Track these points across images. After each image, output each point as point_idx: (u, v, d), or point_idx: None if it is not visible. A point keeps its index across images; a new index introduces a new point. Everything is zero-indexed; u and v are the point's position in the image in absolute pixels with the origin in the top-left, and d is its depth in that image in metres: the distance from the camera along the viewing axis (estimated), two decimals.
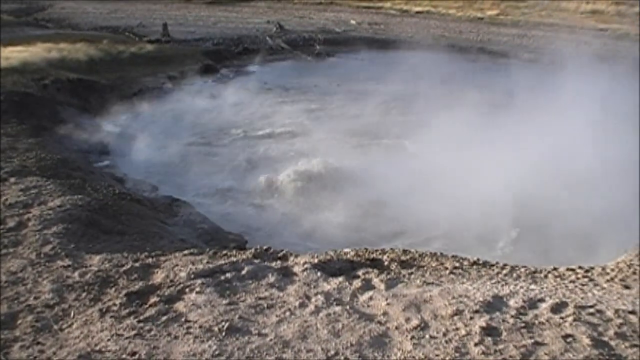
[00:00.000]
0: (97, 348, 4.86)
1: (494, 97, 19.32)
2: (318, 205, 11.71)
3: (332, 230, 10.52)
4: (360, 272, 6.58)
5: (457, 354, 4.80)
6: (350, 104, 20.00)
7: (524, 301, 5.72)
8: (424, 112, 18.04)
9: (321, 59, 28.35)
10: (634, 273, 7.15)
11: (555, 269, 7.25)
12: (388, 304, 5.71)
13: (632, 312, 5.58)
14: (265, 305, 5.64)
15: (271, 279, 6.22)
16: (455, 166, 12.32)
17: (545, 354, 4.81)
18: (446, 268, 6.97)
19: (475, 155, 12.73)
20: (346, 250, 7.45)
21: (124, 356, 4.73)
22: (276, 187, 12.55)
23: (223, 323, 5.24)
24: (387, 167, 13.18)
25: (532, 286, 6.35)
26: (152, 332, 5.13)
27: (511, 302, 5.69)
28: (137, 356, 4.74)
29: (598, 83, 16.97)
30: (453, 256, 7.46)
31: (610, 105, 15.41)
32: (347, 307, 5.64)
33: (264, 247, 7.25)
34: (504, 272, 7.02)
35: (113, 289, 5.98)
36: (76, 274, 6.27)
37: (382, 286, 6.15)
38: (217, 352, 4.80)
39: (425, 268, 6.94)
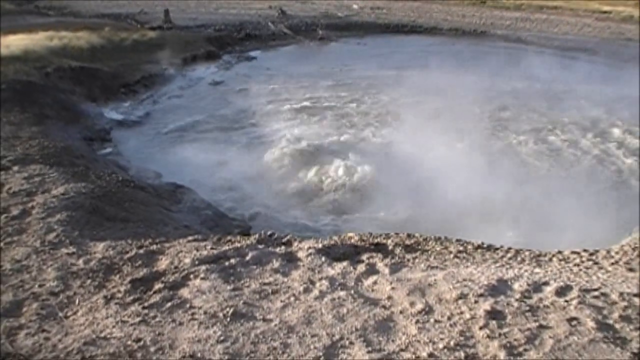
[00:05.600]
0: (102, 335, 4.87)
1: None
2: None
3: None
4: (364, 257, 6.58)
5: (462, 338, 4.80)
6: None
7: (528, 285, 5.71)
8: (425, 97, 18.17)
9: (323, 44, 28.26)
10: (639, 256, 7.15)
11: (559, 252, 7.25)
12: (392, 288, 5.70)
13: (637, 295, 5.57)
14: (270, 291, 5.64)
15: (275, 264, 6.21)
16: None
17: (550, 337, 4.81)
18: (450, 252, 6.96)
19: None
20: (350, 234, 7.44)
21: (129, 342, 4.74)
22: None
23: (228, 309, 5.25)
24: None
25: (537, 270, 6.34)
26: (157, 319, 5.14)
27: (516, 286, 5.68)
28: (142, 342, 4.74)
29: None
30: (457, 240, 7.45)
31: None
32: (352, 291, 5.64)
33: (268, 233, 7.25)
34: (509, 255, 7.01)
35: (117, 275, 5.99)
36: (80, 261, 6.28)
37: (387, 270, 6.14)
38: (222, 338, 4.81)
39: (429, 252, 6.93)
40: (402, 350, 4.68)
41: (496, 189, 11.26)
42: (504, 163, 13.38)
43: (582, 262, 6.92)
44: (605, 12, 35.80)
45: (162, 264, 6.24)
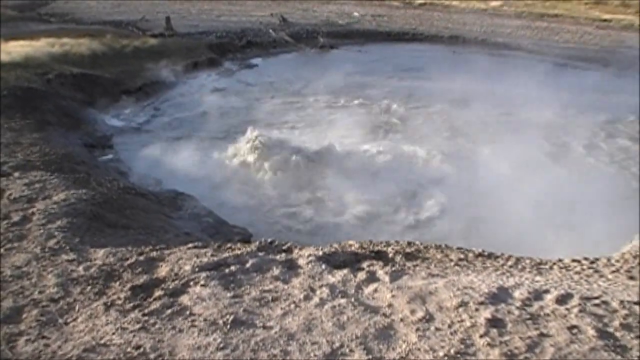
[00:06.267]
0: (102, 342, 4.86)
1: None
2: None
3: None
4: (364, 265, 6.57)
5: (462, 346, 4.79)
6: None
7: (529, 293, 5.70)
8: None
9: (324, 52, 28.30)
10: None
11: (560, 260, 7.24)
12: (393, 296, 5.70)
13: (638, 303, 5.56)
14: (270, 298, 5.64)
15: (276, 271, 6.21)
16: None
17: (551, 345, 4.80)
18: (451, 260, 6.96)
19: None
20: (350, 242, 7.44)
21: (128, 350, 4.73)
22: None
23: (228, 316, 5.24)
24: None
25: (537, 277, 6.34)
26: (157, 326, 5.13)
27: (516, 294, 5.68)
28: (142, 349, 4.74)
29: None
30: (458, 248, 7.45)
31: None
32: (352, 299, 5.63)
33: (269, 240, 7.24)
34: (509, 263, 7.01)
35: (118, 282, 5.99)
36: (81, 267, 6.28)
37: (387, 278, 6.14)
38: (221, 345, 4.80)
39: (430, 260, 6.93)
40: (402, 358, 4.67)
41: None
42: None
43: (583, 270, 6.91)
44: (605, 20, 35.85)
45: (163, 270, 6.24)
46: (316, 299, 5.63)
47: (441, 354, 4.69)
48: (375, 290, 5.86)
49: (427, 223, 11.26)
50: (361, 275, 6.20)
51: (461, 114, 17.83)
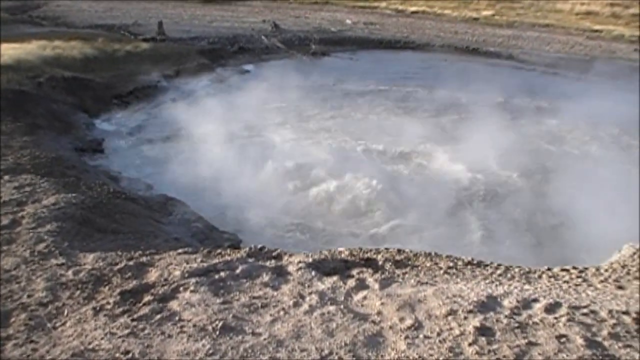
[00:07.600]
0: (91, 346, 4.84)
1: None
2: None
3: None
4: (354, 272, 6.57)
5: (451, 354, 4.81)
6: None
7: (518, 301, 5.72)
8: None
9: (316, 58, 28.35)
10: (628, 274, 7.18)
11: (549, 269, 7.27)
12: (382, 303, 5.71)
13: (626, 313, 5.60)
14: (259, 305, 5.64)
15: (265, 278, 6.21)
16: None
17: (539, 354, 4.82)
18: (440, 268, 6.97)
19: None
20: (340, 249, 7.45)
21: (117, 355, 4.72)
22: None
23: (217, 322, 5.23)
24: None
25: (526, 286, 6.36)
26: (146, 331, 5.12)
27: (505, 302, 5.70)
28: (130, 355, 4.72)
29: None
30: (447, 256, 7.47)
31: None
32: (341, 306, 5.63)
33: (258, 247, 7.24)
34: (498, 272, 7.03)
35: (107, 287, 5.97)
36: (70, 272, 6.25)
37: (376, 286, 6.15)
38: (210, 351, 4.79)
39: (419, 268, 6.94)
40: None
41: None
42: None
43: (572, 279, 6.94)
44: (596, 31, 36.09)
45: (152, 276, 6.23)
46: (305, 306, 5.63)
47: None
48: (365, 298, 5.87)
49: None
50: (351, 283, 6.21)
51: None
